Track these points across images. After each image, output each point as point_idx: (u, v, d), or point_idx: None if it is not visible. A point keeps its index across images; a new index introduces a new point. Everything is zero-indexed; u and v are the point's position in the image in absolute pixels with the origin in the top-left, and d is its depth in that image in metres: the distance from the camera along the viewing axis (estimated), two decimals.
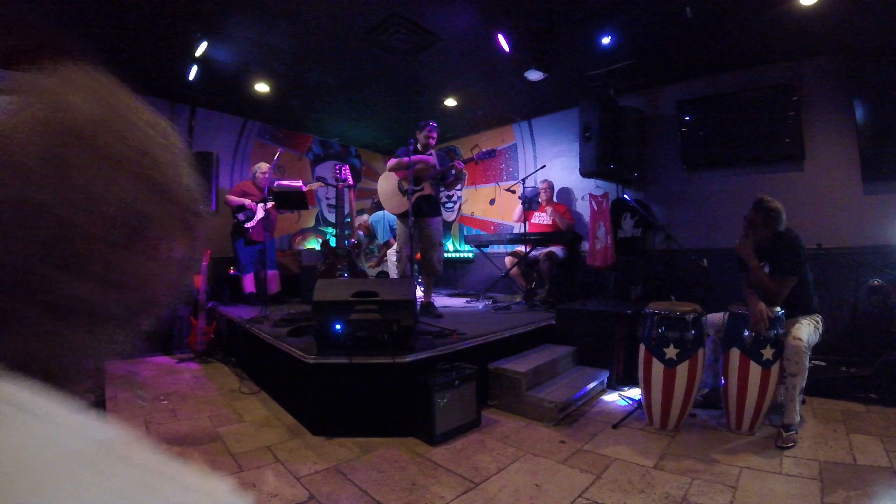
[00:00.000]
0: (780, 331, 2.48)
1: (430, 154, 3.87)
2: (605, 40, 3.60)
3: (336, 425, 2.53)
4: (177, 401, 3.15)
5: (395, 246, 4.87)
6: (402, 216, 3.92)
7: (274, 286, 4.87)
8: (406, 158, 3.64)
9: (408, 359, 2.55)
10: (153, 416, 2.85)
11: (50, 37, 3.31)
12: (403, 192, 3.87)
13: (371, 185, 6.82)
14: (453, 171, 3.79)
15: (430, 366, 2.63)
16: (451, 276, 6.73)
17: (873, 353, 3.04)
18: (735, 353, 2.53)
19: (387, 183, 3.98)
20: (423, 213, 3.80)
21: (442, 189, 4.09)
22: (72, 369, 0.35)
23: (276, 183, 4.81)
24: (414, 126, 4.01)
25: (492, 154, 3.83)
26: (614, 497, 1.91)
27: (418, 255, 3.97)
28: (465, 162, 3.83)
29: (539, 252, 4.77)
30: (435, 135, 3.90)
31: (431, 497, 1.91)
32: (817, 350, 2.65)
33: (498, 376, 2.99)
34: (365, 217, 5.86)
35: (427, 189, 3.80)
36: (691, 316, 2.58)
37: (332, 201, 6.37)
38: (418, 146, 3.87)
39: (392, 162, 3.84)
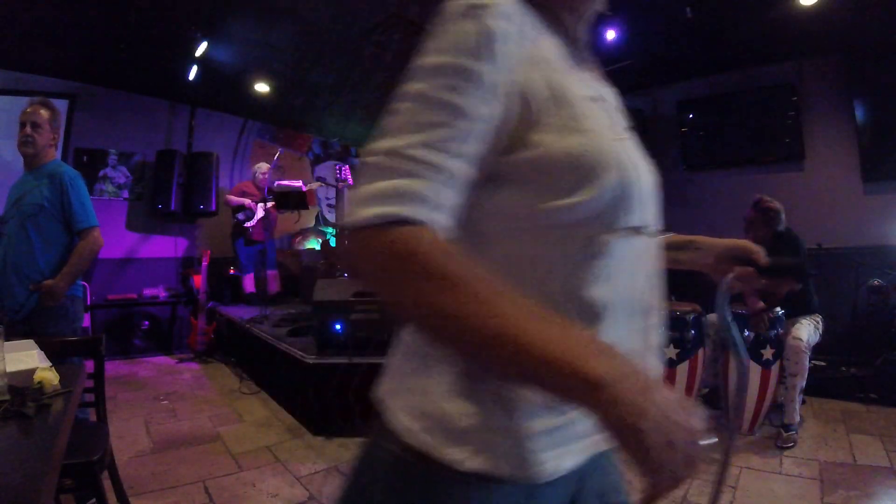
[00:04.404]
0: (780, 331, 2.48)
1: None
2: (608, 38, 3.60)
3: (336, 425, 2.53)
4: (177, 401, 3.15)
5: None
6: None
7: (274, 286, 4.87)
8: None
9: None
10: (153, 415, 2.85)
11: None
12: None
13: None
14: None
15: None
16: None
17: (873, 353, 3.03)
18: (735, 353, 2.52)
19: None
20: None
21: None
22: None
23: (277, 183, 4.81)
24: None
25: None
26: None
27: None
28: None
29: None
30: None
31: None
32: (817, 350, 2.64)
33: None
34: None
35: None
36: (691, 316, 2.58)
37: (333, 201, 6.36)
38: None
39: None
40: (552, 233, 0.46)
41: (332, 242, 4.30)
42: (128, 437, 2.50)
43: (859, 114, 3.49)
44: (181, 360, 4.30)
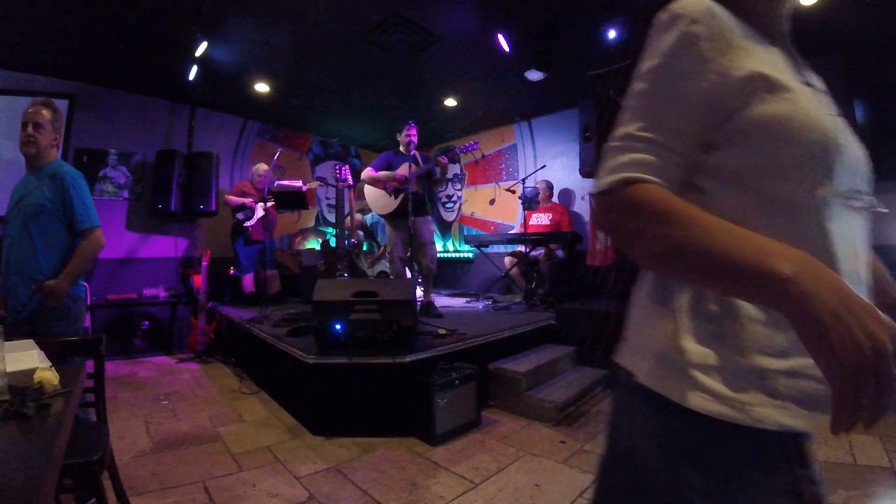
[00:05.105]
0: None
1: (413, 153, 3.88)
2: (609, 36, 3.59)
3: (336, 425, 2.53)
4: (177, 401, 3.15)
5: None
6: (390, 217, 3.93)
7: (274, 286, 4.88)
8: (371, 170, 3.89)
9: (408, 359, 2.55)
10: (153, 415, 2.85)
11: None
12: (390, 193, 3.88)
13: None
14: (437, 168, 3.82)
15: (430, 366, 2.63)
16: (451, 276, 6.73)
17: None
18: None
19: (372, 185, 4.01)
20: (411, 212, 3.71)
21: (439, 189, 4.10)
22: None
23: (276, 183, 4.81)
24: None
25: (475, 146, 3.88)
26: None
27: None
28: (445, 155, 3.87)
29: (539, 252, 4.77)
30: (413, 132, 3.92)
31: (431, 497, 1.91)
32: None
33: (498, 376, 2.99)
34: (358, 216, 5.82)
35: (413, 186, 3.76)
36: None
37: (332, 201, 6.37)
38: (401, 148, 3.91)
39: (365, 176, 3.95)
40: (758, 189, 0.53)
41: (332, 242, 4.29)
42: (128, 437, 2.50)
43: (859, 114, 3.49)
44: (181, 360, 4.30)
